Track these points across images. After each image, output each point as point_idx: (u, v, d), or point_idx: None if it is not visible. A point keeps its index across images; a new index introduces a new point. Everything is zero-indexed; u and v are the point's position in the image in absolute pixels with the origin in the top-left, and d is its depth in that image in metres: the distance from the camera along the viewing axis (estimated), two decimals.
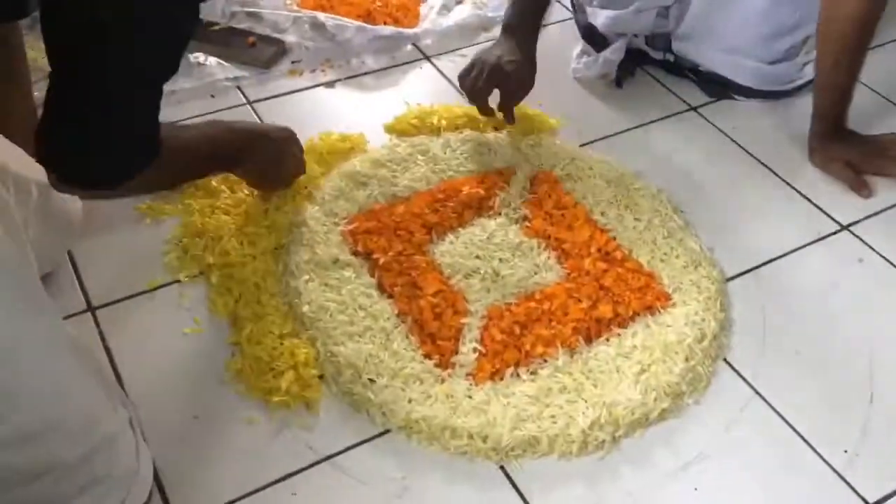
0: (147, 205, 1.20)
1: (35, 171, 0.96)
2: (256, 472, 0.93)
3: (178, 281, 1.12)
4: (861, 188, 1.30)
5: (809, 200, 1.29)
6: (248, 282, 1.10)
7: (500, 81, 1.29)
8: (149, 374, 1.01)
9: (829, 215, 1.27)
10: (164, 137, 0.91)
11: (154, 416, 0.95)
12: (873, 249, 1.22)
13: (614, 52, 1.45)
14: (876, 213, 1.27)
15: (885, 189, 1.31)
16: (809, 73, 1.42)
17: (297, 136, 1.19)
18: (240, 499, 0.90)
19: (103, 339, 1.04)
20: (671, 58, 1.47)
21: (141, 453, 0.87)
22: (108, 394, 0.87)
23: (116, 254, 1.14)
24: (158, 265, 1.13)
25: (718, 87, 1.46)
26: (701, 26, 1.42)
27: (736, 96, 1.46)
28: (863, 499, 0.94)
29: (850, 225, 1.26)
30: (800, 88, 1.45)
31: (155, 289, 1.11)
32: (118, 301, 1.09)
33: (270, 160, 1.16)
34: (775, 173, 1.33)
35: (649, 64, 1.50)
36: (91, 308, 1.08)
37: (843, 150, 1.32)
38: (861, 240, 1.23)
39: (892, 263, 1.20)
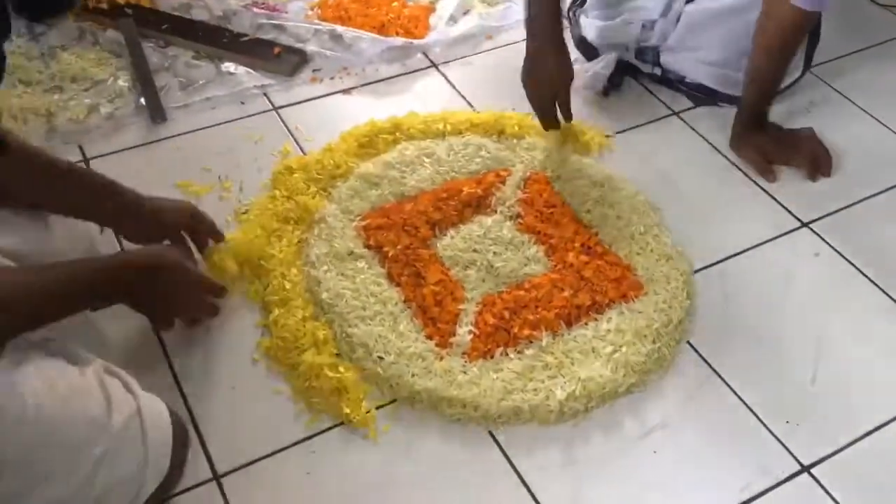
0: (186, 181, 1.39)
1: None
2: (282, 433, 1.10)
3: None
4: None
5: (775, 199, 1.44)
6: (275, 272, 1.27)
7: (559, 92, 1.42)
8: (194, 352, 1.18)
9: (791, 213, 1.42)
10: None
11: (198, 388, 1.13)
12: (829, 245, 1.37)
13: (605, 66, 1.59)
14: (835, 212, 1.42)
15: (843, 188, 1.45)
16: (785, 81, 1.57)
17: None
18: (268, 455, 1.08)
19: None
20: (658, 71, 1.61)
21: (150, 437, 0.94)
22: (102, 406, 0.91)
23: None
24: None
25: (705, 96, 1.60)
26: (688, 42, 1.56)
27: (721, 104, 1.59)
28: (798, 462, 1.10)
29: (810, 222, 1.40)
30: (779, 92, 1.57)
31: None
32: None
33: (157, 295, 1.07)
34: (745, 173, 1.48)
35: (639, 75, 1.65)
36: None
37: (759, 138, 1.48)
38: (819, 236, 1.38)
39: (845, 258, 1.35)
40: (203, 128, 1.52)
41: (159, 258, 1.08)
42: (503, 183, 1.42)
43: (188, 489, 1.04)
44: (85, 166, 1.41)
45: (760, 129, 1.49)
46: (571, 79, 1.42)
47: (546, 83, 1.40)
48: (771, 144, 1.48)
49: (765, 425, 1.13)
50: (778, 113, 1.54)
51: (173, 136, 1.50)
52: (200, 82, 1.59)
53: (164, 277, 1.06)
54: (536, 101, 1.42)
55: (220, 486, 1.05)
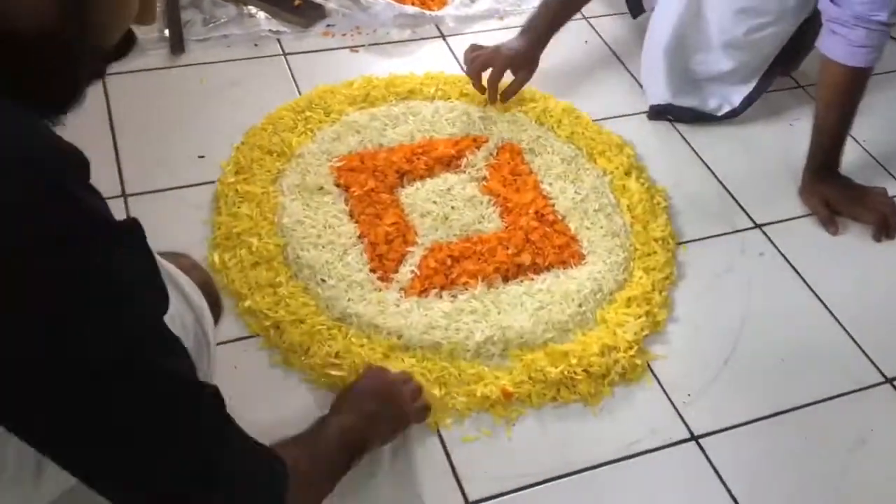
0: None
1: None
2: (221, 331, 1.20)
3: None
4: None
5: (734, 198, 1.49)
6: (254, 193, 1.38)
7: (494, 63, 1.54)
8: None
9: (747, 213, 1.47)
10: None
11: None
12: (776, 247, 1.42)
13: None
14: (789, 219, 1.47)
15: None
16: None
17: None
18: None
19: None
20: None
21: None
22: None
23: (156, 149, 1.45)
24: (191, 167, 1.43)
25: None
26: None
27: None
28: (690, 431, 1.16)
29: (763, 224, 1.45)
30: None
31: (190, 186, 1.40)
32: (151, 192, 1.38)
33: (391, 419, 1.06)
34: (714, 174, 1.54)
35: None
36: (125, 195, 1.38)
37: (825, 189, 1.48)
38: (769, 238, 1.43)
39: (787, 260, 1.40)
40: (215, 62, 1.64)
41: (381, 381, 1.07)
42: (478, 148, 1.50)
43: None
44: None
45: (829, 180, 1.48)
46: (507, 65, 1.54)
47: (486, 54, 1.55)
48: (836, 196, 1.47)
49: (667, 395, 1.20)
50: (756, 117, 1.59)
51: (188, 65, 1.63)
52: (222, 20, 1.71)
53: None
54: (469, 64, 1.57)
55: None
